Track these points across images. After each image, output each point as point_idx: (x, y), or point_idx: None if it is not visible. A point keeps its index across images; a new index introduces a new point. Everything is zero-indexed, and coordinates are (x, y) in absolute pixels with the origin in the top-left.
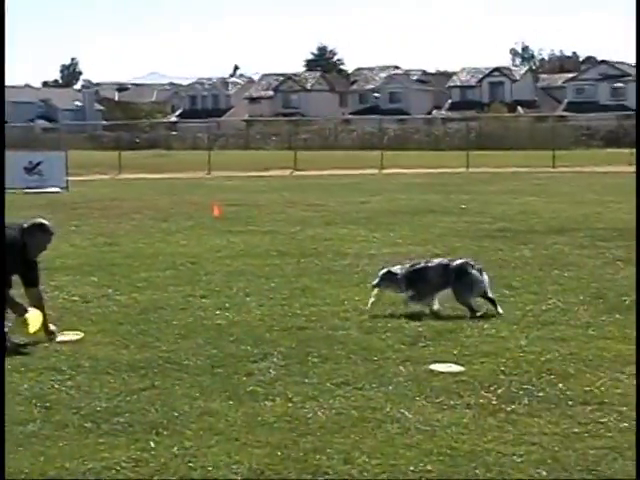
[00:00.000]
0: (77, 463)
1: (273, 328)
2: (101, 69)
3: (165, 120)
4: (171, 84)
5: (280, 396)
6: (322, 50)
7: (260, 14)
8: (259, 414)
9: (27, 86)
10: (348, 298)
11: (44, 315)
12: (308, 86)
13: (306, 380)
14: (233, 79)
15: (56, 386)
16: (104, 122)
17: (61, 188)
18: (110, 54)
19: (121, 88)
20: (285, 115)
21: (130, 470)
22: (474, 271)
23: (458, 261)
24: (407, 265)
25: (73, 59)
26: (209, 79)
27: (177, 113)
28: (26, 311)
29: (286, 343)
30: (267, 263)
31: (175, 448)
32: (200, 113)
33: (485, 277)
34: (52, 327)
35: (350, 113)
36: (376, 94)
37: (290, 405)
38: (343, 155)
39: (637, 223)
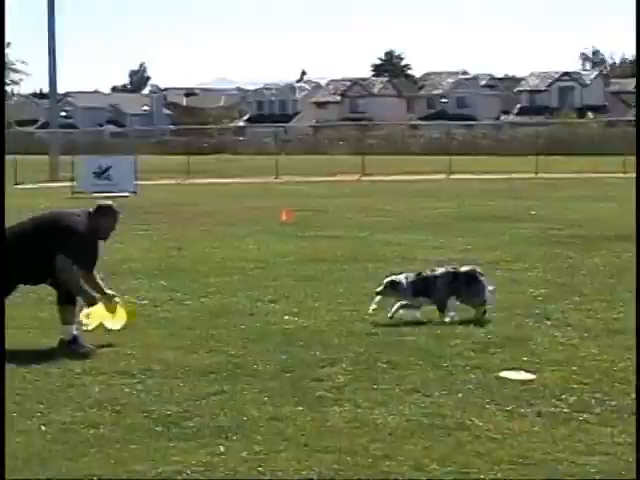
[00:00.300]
0: (148, 466)
1: (342, 333)
2: (169, 74)
3: (232, 125)
4: (238, 89)
5: (349, 402)
6: (389, 55)
7: (327, 19)
8: (328, 419)
9: (96, 91)
10: None
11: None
12: (375, 91)
13: (375, 386)
14: (300, 84)
15: (126, 390)
16: (172, 127)
17: (130, 192)
18: (178, 59)
19: (189, 93)
20: (352, 120)
21: (200, 474)
22: (483, 279)
23: (467, 268)
24: (412, 274)
25: (142, 64)
26: (276, 84)
27: (244, 118)
28: (94, 301)
29: (355, 349)
30: (335, 268)
31: (245, 453)
32: (267, 118)
33: (490, 287)
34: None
35: (418, 118)
36: (444, 99)
37: (359, 411)
38: (411, 160)
39: (637, 223)
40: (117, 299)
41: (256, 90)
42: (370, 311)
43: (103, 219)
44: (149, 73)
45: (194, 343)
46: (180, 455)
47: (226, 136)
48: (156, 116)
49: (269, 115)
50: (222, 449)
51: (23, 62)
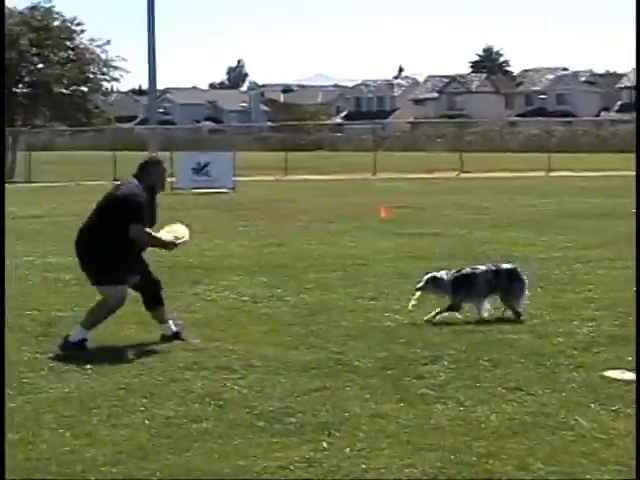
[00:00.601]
0: (251, 461)
1: (442, 331)
2: (267, 71)
3: (330, 122)
4: (336, 86)
5: (451, 399)
6: (488, 51)
7: (425, 14)
8: (431, 417)
9: (194, 88)
10: None
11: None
12: (473, 88)
13: (477, 384)
14: (398, 80)
15: (228, 385)
16: (270, 123)
17: (228, 189)
18: (276, 56)
19: (286, 89)
20: (450, 117)
21: (304, 470)
22: (525, 277)
23: (508, 265)
24: (453, 271)
25: (239, 61)
26: (374, 81)
27: (342, 115)
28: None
29: (456, 346)
30: (434, 266)
31: (347, 449)
32: (365, 115)
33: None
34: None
35: (516, 115)
36: (542, 96)
37: (462, 409)
38: (509, 157)
39: (637, 224)
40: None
41: (354, 87)
42: (410, 307)
43: (154, 174)
44: (247, 70)
45: (294, 339)
46: (283, 451)
47: (323, 133)
48: (254, 112)
49: (367, 112)
50: (325, 445)
51: (123, 59)
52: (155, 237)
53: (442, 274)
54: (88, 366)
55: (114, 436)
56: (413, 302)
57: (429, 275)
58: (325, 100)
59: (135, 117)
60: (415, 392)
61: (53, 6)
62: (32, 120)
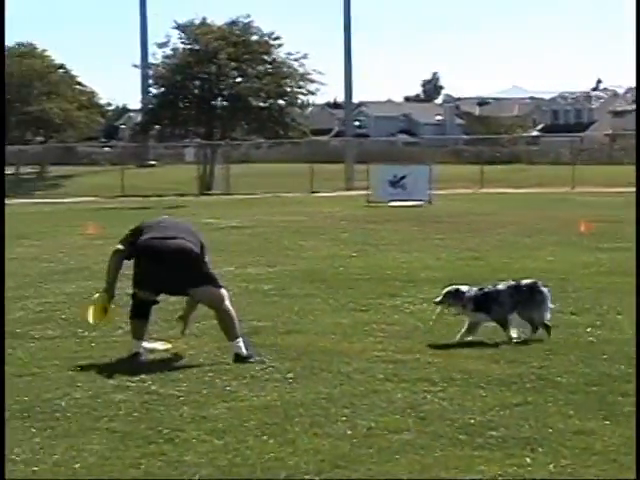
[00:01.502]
0: (454, 474)
1: None
2: (462, 83)
3: (526, 135)
4: (532, 98)
5: None
6: None
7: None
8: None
9: (389, 101)
10: None
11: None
12: None
13: None
14: (596, 92)
15: (429, 397)
16: (465, 136)
17: (424, 201)
18: (471, 69)
19: (482, 102)
20: None
21: None
22: (546, 290)
23: (529, 280)
24: (475, 288)
25: (434, 74)
26: (572, 93)
27: (538, 128)
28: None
29: None
30: (630, 281)
31: (551, 466)
32: (562, 128)
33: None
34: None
35: None
36: None
37: None
38: None
39: (637, 224)
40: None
41: (550, 99)
42: (430, 323)
43: None
44: (442, 82)
45: (495, 353)
46: (485, 464)
47: (519, 146)
48: (448, 125)
49: (564, 124)
50: (528, 461)
51: (320, 73)
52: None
53: (465, 288)
54: (289, 375)
55: (316, 445)
56: (433, 317)
57: (449, 289)
58: (521, 113)
59: (330, 130)
60: (621, 410)
61: (252, 21)
62: (230, 133)
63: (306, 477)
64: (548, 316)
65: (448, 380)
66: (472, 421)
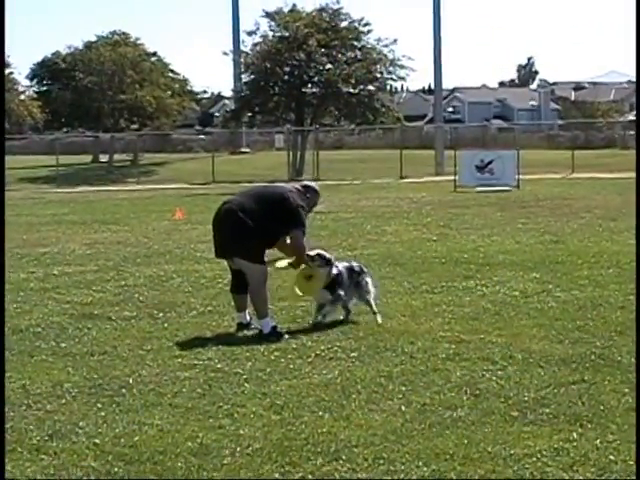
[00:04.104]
0: (499, 448)
1: None
2: (558, 68)
3: (622, 119)
4: (629, 82)
5: None
6: None
7: None
8: None
9: (484, 86)
10: None
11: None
12: None
13: None
14: None
15: (487, 375)
16: (559, 122)
17: (512, 186)
18: (567, 53)
19: (577, 87)
20: None
21: (550, 459)
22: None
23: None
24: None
25: (530, 58)
26: None
27: (635, 112)
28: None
29: None
30: None
31: (598, 441)
32: None
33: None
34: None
35: None
36: None
37: None
38: None
39: (637, 225)
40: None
41: None
42: None
43: (312, 197)
44: (537, 67)
45: (559, 333)
46: (532, 439)
47: (615, 130)
48: (543, 111)
49: None
50: (575, 436)
51: (410, 58)
52: (304, 252)
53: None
54: (353, 354)
55: (370, 420)
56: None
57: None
58: (618, 97)
59: (425, 116)
60: None
61: (341, 7)
62: (320, 119)
63: (355, 450)
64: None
65: (508, 359)
66: (526, 398)
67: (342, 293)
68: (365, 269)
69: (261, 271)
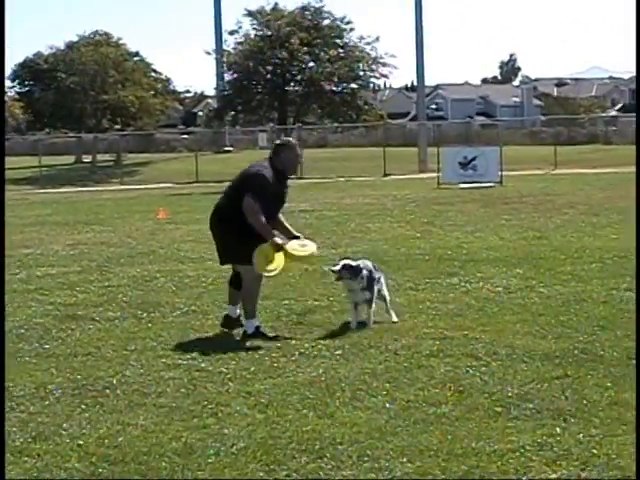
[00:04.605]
0: (483, 444)
1: None
2: (540, 64)
3: (604, 115)
4: (611, 78)
5: None
6: None
7: None
8: None
9: (466, 83)
10: None
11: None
12: None
13: None
14: None
15: (471, 371)
16: (542, 118)
17: (495, 183)
18: (549, 49)
19: (560, 83)
20: None
21: (534, 453)
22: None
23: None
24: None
25: (512, 55)
26: None
27: (617, 107)
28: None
29: None
30: None
31: (580, 435)
32: None
33: None
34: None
35: None
36: None
37: None
38: None
39: (637, 225)
40: (306, 241)
41: (629, 78)
42: None
43: (284, 157)
44: (519, 64)
45: (542, 329)
46: (516, 435)
47: (597, 126)
48: (526, 107)
49: None
50: (558, 430)
51: (392, 56)
52: (260, 220)
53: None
54: (338, 352)
55: (354, 417)
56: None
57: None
58: (600, 93)
59: (408, 113)
60: None
61: (323, 6)
62: (303, 118)
63: (339, 447)
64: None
65: (492, 355)
66: (509, 394)
67: (377, 290)
68: (378, 267)
69: (253, 271)
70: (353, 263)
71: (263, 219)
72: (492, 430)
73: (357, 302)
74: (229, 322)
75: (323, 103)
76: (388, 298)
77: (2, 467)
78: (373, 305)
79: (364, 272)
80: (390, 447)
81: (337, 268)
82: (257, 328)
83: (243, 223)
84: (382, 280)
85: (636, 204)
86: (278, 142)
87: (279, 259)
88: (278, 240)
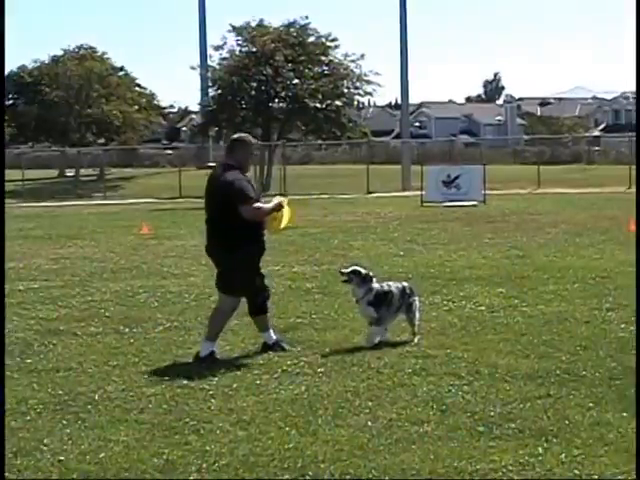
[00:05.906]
0: (465, 463)
1: None
2: (524, 84)
3: (587, 134)
4: (594, 98)
5: None
6: None
7: None
8: None
9: (451, 102)
10: None
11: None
12: None
13: None
14: None
15: (453, 390)
16: (525, 137)
17: (478, 201)
18: (533, 69)
19: (543, 103)
20: None
21: (516, 473)
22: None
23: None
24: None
25: (496, 74)
26: (634, 93)
27: (600, 128)
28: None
29: None
30: None
31: (563, 455)
32: (624, 127)
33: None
34: None
35: None
36: None
37: None
38: None
39: (637, 226)
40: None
41: (613, 99)
42: None
43: (241, 149)
44: (503, 83)
45: (525, 348)
46: (498, 454)
47: (580, 146)
48: (510, 126)
49: (626, 124)
50: (540, 450)
51: (377, 73)
52: (263, 210)
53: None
54: (320, 369)
55: (336, 436)
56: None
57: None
58: (583, 113)
59: (392, 131)
60: None
61: (308, 23)
62: (287, 134)
63: (322, 466)
64: None
65: (474, 374)
66: (492, 413)
67: (386, 314)
68: (415, 290)
69: (231, 304)
70: (363, 271)
71: (262, 206)
72: (474, 449)
73: (361, 314)
74: (267, 348)
75: (307, 120)
76: (417, 322)
77: (2, 467)
78: (374, 327)
79: (375, 286)
80: (372, 466)
81: (347, 271)
82: (211, 354)
83: (238, 237)
84: (417, 305)
85: (636, 219)
86: (234, 137)
87: (285, 214)
88: (273, 205)
